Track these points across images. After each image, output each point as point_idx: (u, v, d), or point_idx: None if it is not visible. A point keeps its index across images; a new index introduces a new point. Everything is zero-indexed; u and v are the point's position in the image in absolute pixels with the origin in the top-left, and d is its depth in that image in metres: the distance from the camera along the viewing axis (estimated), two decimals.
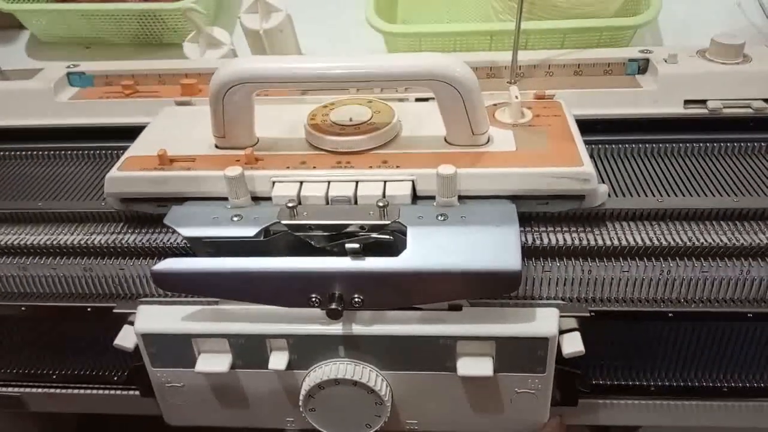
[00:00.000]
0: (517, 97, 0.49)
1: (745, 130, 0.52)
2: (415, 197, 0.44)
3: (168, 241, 0.47)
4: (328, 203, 0.43)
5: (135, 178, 0.45)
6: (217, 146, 0.47)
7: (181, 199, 0.46)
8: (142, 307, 0.45)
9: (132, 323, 0.45)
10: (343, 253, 0.41)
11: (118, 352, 0.47)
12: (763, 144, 0.52)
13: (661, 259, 0.44)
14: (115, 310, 0.46)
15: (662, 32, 0.71)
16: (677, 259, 0.44)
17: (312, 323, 0.42)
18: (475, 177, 0.43)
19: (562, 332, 0.43)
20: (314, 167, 0.45)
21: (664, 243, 0.43)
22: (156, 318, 0.44)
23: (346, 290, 0.40)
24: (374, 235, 0.41)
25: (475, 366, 0.42)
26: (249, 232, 0.42)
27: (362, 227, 0.42)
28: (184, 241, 0.45)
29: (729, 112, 0.53)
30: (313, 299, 0.41)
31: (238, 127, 0.46)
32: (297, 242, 0.43)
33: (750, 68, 0.53)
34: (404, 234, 0.41)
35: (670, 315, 0.43)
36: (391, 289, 0.40)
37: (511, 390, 0.44)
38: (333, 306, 0.40)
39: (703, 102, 0.53)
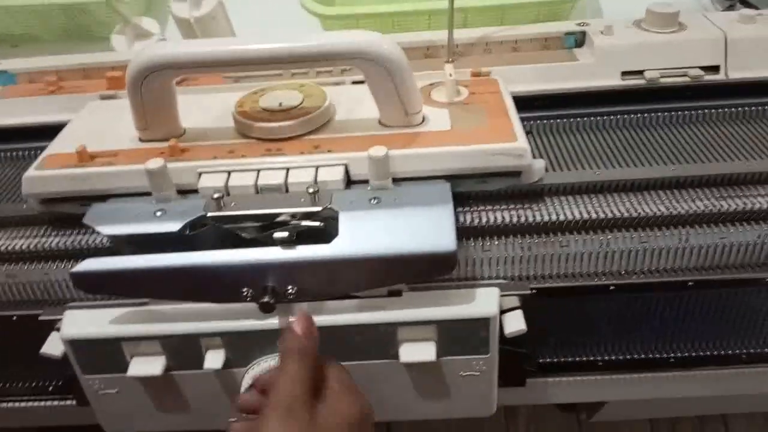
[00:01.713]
0: (451, 75, 0.48)
1: (683, 99, 0.52)
2: (350, 182, 0.43)
3: (94, 241, 0.45)
4: (257, 192, 0.42)
5: (54, 177, 0.43)
6: (140, 139, 0.45)
7: (104, 197, 0.43)
8: (68, 313, 0.43)
9: (59, 330, 0.42)
10: (274, 243, 0.39)
11: (53, 361, 0.45)
12: (699, 112, 0.52)
13: (599, 231, 0.43)
14: (41, 317, 0.44)
15: (602, 4, 0.71)
16: (615, 230, 0.43)
17: (246, 318, 0.41)
18: (409, 158, 0.42)
19: (504, 311, 0.42)
20: (243, 156, 0.43)
21: (602, 215, 0.43)
22: (82, 323, 0.42)
23: (278, 282, 0.39)
24: (304, 222, 0.40)
25: (417, 351, 0.41)
26: (173, 227, 0.40)
27: (293, 215, 0.40)
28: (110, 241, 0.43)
29: (666, 82, 0.53)
30: (245, 293, 0.39)
31: (160, 117, 0.44)
32: (227, 235, 0.42)
33: (685, 36, 0.53)
34: (336, 220, 0.40)
35: (611, 288, 0.43)
36: (323, 277, 0.38)
37: (455, 374, 0.43)
38: (265, 299, 0.38)
39: (641, 72, 0.53)
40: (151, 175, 0.41)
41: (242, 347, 0.41)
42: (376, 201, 0.41)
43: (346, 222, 0.39)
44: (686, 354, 0.47)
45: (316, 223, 0.40)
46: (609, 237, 0.43)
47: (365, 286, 0.40)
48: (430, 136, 0.44)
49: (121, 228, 0.40)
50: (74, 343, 0.42)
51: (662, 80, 0.53)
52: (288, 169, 0.42)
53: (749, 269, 0.43)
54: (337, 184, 0.42)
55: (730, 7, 0.70)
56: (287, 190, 0.42)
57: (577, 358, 0.47)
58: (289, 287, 0.39)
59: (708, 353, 0.47)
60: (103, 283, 0.39)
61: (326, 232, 0.40)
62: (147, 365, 0.42)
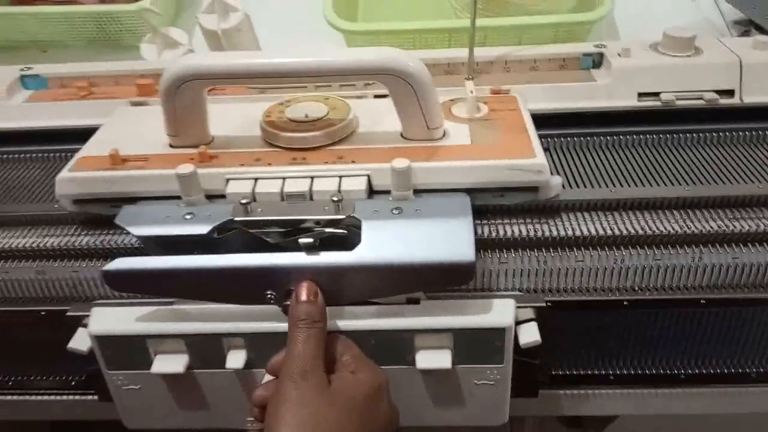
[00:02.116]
0: (472, 92, 0.49)
1: (697, 122, 0.53)
2: (371, 192, 0.44)
3: (122, 242, 0.46)
4: (283, 200, 0.43)
5: (86, 179, 0.45)
6: (170, 145, 0.47)
7: (134, 199, 0.45)
8: (96, 309, 0.44)
9: (86, 326, 0.44)
10: (298, 249, 0.41)
11: (76, 357, 0.46)
12: (714, 134, 0.53)
13: (614, 248, 0.44)
14: (68, 313, 0.45)
15: (618, 27, 0.72)
16: (630, 247, 0.44)
17: (269, 320, 0.42)
18: (430, 170, 0.43)
19: (519, 323, 0.43)
20: (269, 164, 0.45)
21: (617, 232, 0.44)
22: (110, 319, 0.43)
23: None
24: (328, 229, 0.41)
25: (433, 359, 0.42)
26: (202, 229, 0.41)
27: (317, 222, 0.42)
28: (139, 241, 0.45)
29: (681, 104, 0.54)
30: (269, 296, 0.40)
31: (190, 124, 0.45)
32: (252, 240, 0.43)
33: (701, 60, 0.54)
34: (359, 228, 0.41)
35: (625, 303, 0.44)
36: (345, 283, 0.40)
37: (470, 382, 0.44)
38: (288, 302, 0.40)
39: (656, 95, 0.54)
40: (182, 180, 0.42)
41: (263, 348, 0.42)
42: (397, 211, 0.42)
43: (368, 230, 0.41)
44: (696, 371, 0.48)
45: (340, 231, 0.41)
46: (624, 253, 0.44)
47: (385, 293, 0.41)
48: (450, 150, 0.45)
49: (151, 229, 0.42)
50: (101, 339, 0.43)
51: (678, 103, 0.54)
52: (313, 178, 0.44)
53: (761, 289, 0.44)
54: (359, 193, 0.43)
55: (745, 33, 0.71)
56: (311, 198, 0.43)
57: (589, 372, 0.48)
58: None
59: (718, 371, 0.48)
60: (132, 281, 0.40)
61: (349, 240, 0.41)
62: (170, 363, 0.43)
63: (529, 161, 0.43)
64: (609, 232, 0.44)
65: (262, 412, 0.38)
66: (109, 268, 0.40)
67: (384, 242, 0.40)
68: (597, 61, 0.57)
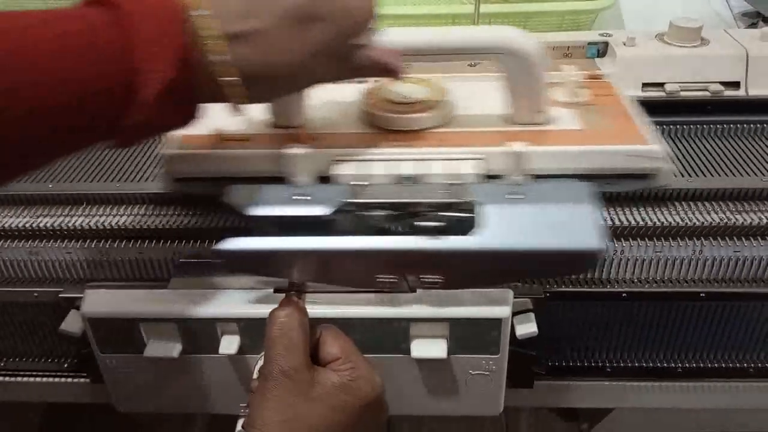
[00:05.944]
0: (572, 76, 0.47)
1: (702, 113, 0.53)
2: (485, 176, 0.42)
3: (118, 223, 0.45)
4: (394, 183, 0.41)
5: (195, 156, 0.43)
6: (270, 125, 0.45)
7: (235, 179, 0.43)
8: (89, 291, 0.43)
9: (79, 308, 0.43)
10: (411, 232, 0.39)
11: (68, 339, 0.46)
12: (718, 126, 0.52)
13: (614, 239, 0.44)
14: (61, 295, 0.45)
15: (624, 16, 0.71)
16: (630, 239, 0.44)
17: (262, 306, 0.41)
18: (545, 155, 0.42)
19: (516, 313, 0.42)
20: (375, 146, 0.43)
21: (618, 223, 0.43)
22: (103, 301, 0.43)
23: (421, 269, 0.38)
24: (449, 214, 0.39)
25: (429, 348, 0.42)
26: (317, 211, 0.40)
27: (432, 206, 0.40)
28: (133, 222, 0.44)
29: (686, 95, 0.53)
30: (386, 279, 0.39)
31: (290, 104, 0.44)
32: (363, 223, 0.41)
33: (707, 51, 0.54)
34: (474, 213, 0.39)
35: (624, 295, 0.43)
36: (465, 269, 0.38)
37: (465, 372, 0.43)
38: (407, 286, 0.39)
39: (661, 85, 0.53)
40: (290, 161, 0.41)
41: (257, 334, 0.42)
42: (516, 196, 0.40)
43: (489, 215, 0.39)
44: (694, 365, 0.47)
45: (463, 215, 0.39)
46: (624, 245, 0.43)
47: (507, 279, 0.40)
48: (563, 135, 0.43)
49: (263, 209, 0.40)
50: (94, 321, 0.42)
51: (682, 93, 0.53)
52: (424, 161, 0.42)
53: (761, 284, 0.43)
54: (473, 177, 0.41)
55: (753, 25, 0.70)
56: (422, 182, 0.41)
57: (585, 363, 0.48)
58: (431, 276, 0.39)
59: (715, 365, 0.47)
60: (247, 261, 0.39)
61: (466, 225, 0.39)
62: (164, 347, 0.42)
63: (646, 147, 0.41)
64: (609, 222, 0.43)
65: None
66: (226, 248, 0.38)
67: (507, 227, 0.38)
68: (602, 50, 0.56)
